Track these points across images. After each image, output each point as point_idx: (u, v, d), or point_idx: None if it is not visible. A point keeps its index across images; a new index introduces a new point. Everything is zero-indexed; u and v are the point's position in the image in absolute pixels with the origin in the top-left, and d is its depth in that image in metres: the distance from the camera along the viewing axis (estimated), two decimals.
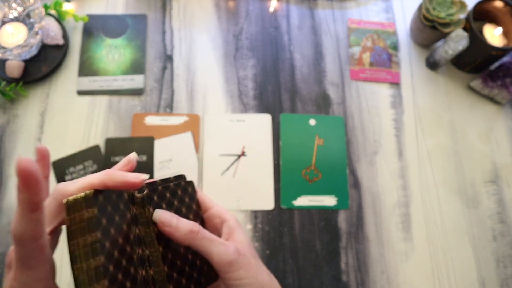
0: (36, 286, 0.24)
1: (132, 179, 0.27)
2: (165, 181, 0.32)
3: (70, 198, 0.24)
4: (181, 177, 0.33)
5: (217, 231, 0.34)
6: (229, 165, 0.60)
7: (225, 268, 0.29)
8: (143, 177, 0.27)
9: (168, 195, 0.31)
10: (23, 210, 0.22)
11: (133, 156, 0.30)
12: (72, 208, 0.24)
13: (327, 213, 0.60)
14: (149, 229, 0.28)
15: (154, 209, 0.29)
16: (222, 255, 0.29)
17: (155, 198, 0.29)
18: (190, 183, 0.33)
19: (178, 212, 0.31)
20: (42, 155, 0.28)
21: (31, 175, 0.20)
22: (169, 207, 0.30)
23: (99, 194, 0.25)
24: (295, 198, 0.60)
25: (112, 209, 0.26)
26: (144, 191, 0.29)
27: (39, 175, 0.21)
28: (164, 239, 0.29)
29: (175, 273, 0.29)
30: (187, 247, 0.31)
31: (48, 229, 0.26)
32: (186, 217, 0.31)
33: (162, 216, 0.28)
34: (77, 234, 0.24)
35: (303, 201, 0.60)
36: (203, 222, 0.34)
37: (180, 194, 0.32)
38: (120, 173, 0.27)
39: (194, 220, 0.32)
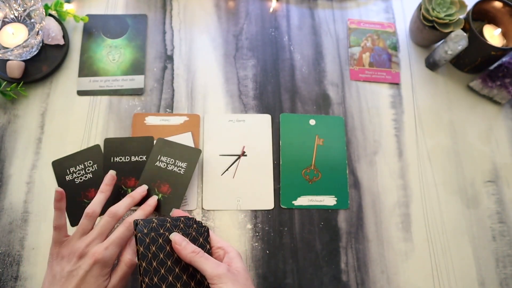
0: None
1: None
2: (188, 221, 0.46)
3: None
4: (199, 223, 0.46)
5: (220, 261, 0.43)
6: (229, 165, 0.61)
7: (214, 279, 0.38)
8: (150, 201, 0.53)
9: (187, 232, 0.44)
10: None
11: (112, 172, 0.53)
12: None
13: (327, 213, 0.60)
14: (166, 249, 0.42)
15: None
16: (214, 269, 0.39)
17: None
18: (207, 229, 0.46)
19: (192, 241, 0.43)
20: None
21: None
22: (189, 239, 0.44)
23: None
24: (295, 198, 0.60)
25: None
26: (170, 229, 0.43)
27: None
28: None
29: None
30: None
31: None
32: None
33: (176, 237, 0.42)
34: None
35: (303, 201, 0.60)
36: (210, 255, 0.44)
37: (195, 234, 0.44)
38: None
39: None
